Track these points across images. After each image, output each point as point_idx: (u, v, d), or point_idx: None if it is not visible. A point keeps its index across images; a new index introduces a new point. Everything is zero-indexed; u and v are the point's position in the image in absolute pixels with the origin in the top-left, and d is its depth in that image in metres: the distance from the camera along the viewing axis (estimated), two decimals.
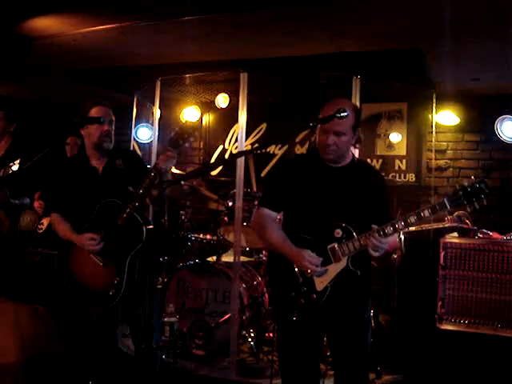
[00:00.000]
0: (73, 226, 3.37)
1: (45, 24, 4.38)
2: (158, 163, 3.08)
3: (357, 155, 4.26)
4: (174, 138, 3.06)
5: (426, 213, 2.68)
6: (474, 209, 2.64)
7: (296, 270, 2.86)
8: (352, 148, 3.01)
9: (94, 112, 3.34)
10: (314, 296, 2.83)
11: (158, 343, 3.46)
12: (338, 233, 2.82)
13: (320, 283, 2.82)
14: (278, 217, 3.08)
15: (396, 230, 2.71)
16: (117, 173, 3.39)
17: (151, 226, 3.29)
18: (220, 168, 7.06)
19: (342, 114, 2.72)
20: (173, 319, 4.41)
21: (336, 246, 2.81)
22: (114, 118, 3.43)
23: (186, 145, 3.04)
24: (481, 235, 4.55)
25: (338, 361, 3.01)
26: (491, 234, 4.57)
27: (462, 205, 2.64)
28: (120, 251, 3.23)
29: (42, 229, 4.95)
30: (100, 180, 3.40)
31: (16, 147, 4.38)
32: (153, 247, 3.38)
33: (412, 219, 2.70)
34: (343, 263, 2.80)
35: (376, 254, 2.73)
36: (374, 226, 2.71)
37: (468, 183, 2.64)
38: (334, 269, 2.81)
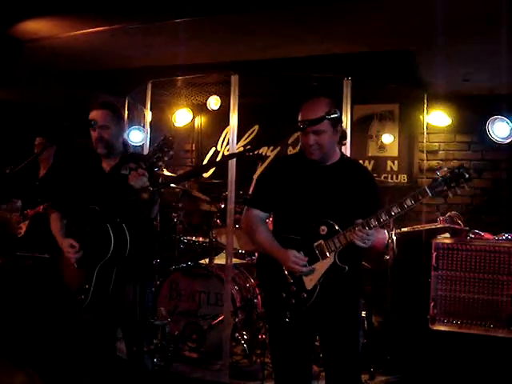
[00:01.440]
0: (71, 225, 3.34)
1: (36, 27, 4.37)
2: (128, 180, 2.91)
3: (348, 154, 4.28)
4: (148, 155, 2.92)
5: (408, 202, 2.67)
6: (455, 194, 2.64)
7: (285, 270, 2.86)
8: (338, 145, 2.98)
9: (90, 115, 3.28)
10: (304, 295, 2.82)
11: (149, 346, 3.43)
12: (324, 230, 2.81)
13: (309, 281, 2.82)
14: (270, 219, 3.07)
15: (380, 222, 2.69)
16: (122, 177, 3.32)
17: (128, 238, 3.17)
18: (212, 170, 7.05)
19: (332, 116, 2.73)
20: (164, 322, 4.39)
21: (322, 242, 2.81)
22: (110, 123, 3.30)
23: (160, 163, 2.91)
24: (473, 236, 4.56)
25: (328, 361, 2.99)
26: (483, 234, 4.59)
27: (443, 191, 2.64)
28: (91, 260, 3.20)
29: (20, 233, 4.98)
30: (105, 182, 3.33)
31: None
32: (143, 254, 3.30)
33: (395, 210, 2.68)
34: (331, 260, 2.80)
35: (364, 245, 2.71)
36: (358, 221, 2.70)
37: (447, 169, 2.64)
38: (322, 266, 2.81)
